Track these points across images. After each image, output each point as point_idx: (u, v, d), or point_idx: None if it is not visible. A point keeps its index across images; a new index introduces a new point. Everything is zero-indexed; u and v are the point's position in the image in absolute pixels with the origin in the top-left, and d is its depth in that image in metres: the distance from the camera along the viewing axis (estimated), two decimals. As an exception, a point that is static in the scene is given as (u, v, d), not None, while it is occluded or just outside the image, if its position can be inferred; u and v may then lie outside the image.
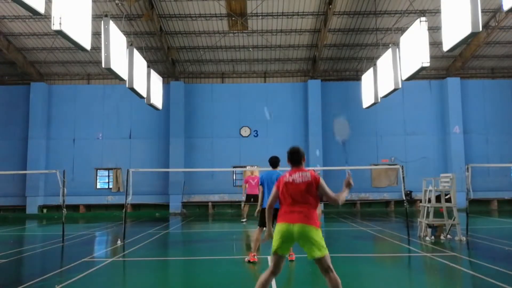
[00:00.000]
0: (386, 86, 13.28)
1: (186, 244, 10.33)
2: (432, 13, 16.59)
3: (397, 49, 12.27)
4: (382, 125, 21.60)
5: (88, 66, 21.35)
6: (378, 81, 14.17)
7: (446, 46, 9.16)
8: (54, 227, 14.35)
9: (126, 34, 12.27)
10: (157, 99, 14.75)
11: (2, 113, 21.50)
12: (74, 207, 20.27)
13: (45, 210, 20.74)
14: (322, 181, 4.08)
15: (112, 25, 10.20)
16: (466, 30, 8.12)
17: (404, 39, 11.75)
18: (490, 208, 20.42)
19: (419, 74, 11.80)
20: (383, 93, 13.90)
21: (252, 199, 14.42)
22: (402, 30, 14.72)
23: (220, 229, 13.88)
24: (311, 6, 17.34)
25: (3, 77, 21.58)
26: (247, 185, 14.43)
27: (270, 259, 7.49)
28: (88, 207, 21.06)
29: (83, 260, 7.65)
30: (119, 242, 9.86)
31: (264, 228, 6.43)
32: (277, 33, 18.91)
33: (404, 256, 8.14)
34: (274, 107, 21.59)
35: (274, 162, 7.24)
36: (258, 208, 7.05)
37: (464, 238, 9.41)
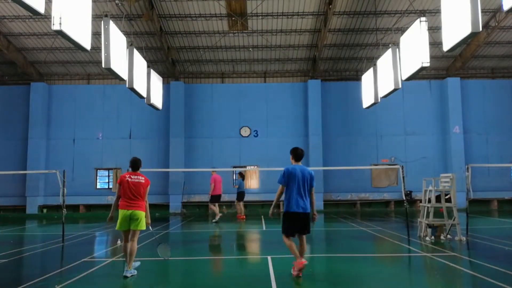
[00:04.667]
0: (386, 86, 13.27)
1: (186, 244, 10.32)
2: (432, 13, 16.59)
3: (397, 49, 12.26)
4: (382, 125, 21.60)
5: (88, 66, 21.35)
6: (378, 81, 14.16)
7: (446, 46, 9.15)
8: (54, 227, 14.35)
9: (126, 34, 12.27)
10: (157, 99, 14.74)
11: (2, 113, 21.51)
12: (74, 207, 20.29)
13: (45, 210, 20.74)
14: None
15: (112, 25, 10.19)
16: (466, 30, 8.11)
17: (404, 39, 11.74)
18: (490, 208, 20.42)
19: (419, 74, 11.79)
20: (383, 93, 13.89)
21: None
22: (402, 30, 14.71)
23: (220, 229, 13.87)
24: (311, 6, 17.34)
25: (3, 77, 21.59)
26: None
27: (270, 259, 7.50)
28: (88, 207, 21.06)
29: (83, 260, 7.66)
30: (119, 242, 9.85)
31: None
32: (277, 33, 18.91)
33: (404, 256, 8.14)
34: (274, 107, 21.60)
35: None
36: None
37: (464, 238, 9.41)
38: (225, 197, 21.15)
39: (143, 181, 6.61)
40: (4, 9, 16.93)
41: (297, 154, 6.21)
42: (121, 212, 6.48)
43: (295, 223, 5.93)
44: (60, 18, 7.45)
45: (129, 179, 6.52)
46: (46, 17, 14.27)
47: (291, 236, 6.00)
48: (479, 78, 21.90)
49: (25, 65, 20.31)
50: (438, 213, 11.15)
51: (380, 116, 21.31)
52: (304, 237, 6.06)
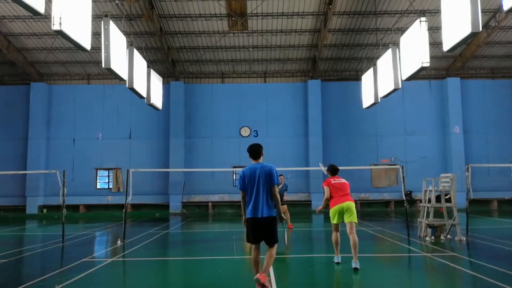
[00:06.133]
0: (386, 86, 13.27)
1: (186, 244, 10.32)
2: (432, 13, 16.59)
3: (397, 49, 12.26)
4: (382, 125, 21.60)
5: (88, 66, 21.35)
6: (378, 81, 14.16)
7: (446, 46, 9.15)
8: (54, 227, 14.35)
9: (126, 34, 12.26)
10: (157, 99, 14.74)
11: (2, 113, 21.52)
12: (74, 207, 20.29)
13: (45, 210, 20.74)
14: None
15: (112, 25, 10.19)
16: (466, 30, 8.11)
17: (404, 39, 11.74)
18: (490, 208, 20.41)
19: (419, 74, 11.80)
20: (383, 93, 13.89)
21: None
22: (402, 30, 14.72)
23: (220, 229, 13.87)
24: (311, 6, 17.35)
25: (3, 77, 21.59)
26: None
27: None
28: (88, 207, 21.07)
29: (83, 260, 7.65)
30: (119, 242, 9.86)
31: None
32: (277, 33, 18.91)
33: (404, 256, 8.14)
34: (274, 107, 21.60)
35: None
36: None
37: (464, 238, 9.41)
38: (225, 197, 21.22)
39: None
40: (4, 9, 16.92)
41: (253, 151, 5.44)
42: None
43: (253, 230, 5.25)
44: (60, 18, 7.44)
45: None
46: (46, 17, 14.27)
47: (253, 243, 5.31)
48: (479, 78, 21.90)
49: (25, 65, 20.31)
50: (438, 213, 11.15)
51: (380, 116, 21.31)
52: (272, 250, 5.23)
